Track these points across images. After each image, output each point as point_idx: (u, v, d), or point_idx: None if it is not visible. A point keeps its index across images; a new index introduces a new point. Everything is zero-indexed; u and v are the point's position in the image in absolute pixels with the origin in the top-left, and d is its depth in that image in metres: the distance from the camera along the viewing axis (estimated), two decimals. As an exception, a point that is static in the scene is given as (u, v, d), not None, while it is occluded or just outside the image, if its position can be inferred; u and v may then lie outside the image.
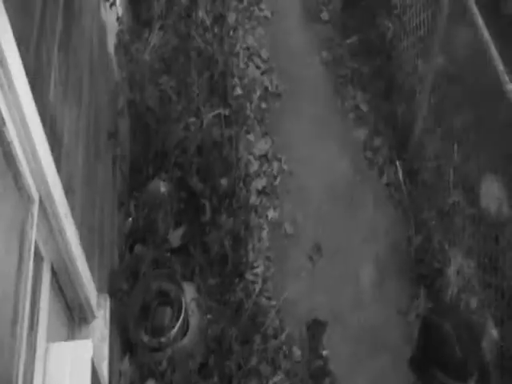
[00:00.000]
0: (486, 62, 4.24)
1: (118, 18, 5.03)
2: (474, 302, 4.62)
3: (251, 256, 5.03)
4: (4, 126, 2.22)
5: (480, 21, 4.30)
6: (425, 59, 5.40)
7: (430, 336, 2.75)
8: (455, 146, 5.13)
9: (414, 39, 5.72)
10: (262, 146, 5.72)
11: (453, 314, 3.06)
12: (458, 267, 4.71)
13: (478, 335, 2.84)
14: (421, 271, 4.96)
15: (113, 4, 4.79)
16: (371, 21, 6.28)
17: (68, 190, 2.89)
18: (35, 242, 2.55)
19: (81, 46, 3.61)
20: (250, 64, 6.24)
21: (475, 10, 4.34)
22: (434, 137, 5.35)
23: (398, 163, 5.48)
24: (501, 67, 4.14)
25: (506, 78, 4.08)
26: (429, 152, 5.35)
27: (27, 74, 2.34)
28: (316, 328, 4.71)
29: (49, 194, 2.63)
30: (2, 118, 2.21)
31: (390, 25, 6.09)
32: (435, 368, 2.62)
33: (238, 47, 6.19)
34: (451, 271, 4.70)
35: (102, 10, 4.51)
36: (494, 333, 4.54)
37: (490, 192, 4.84)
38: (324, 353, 4.64)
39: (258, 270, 4.98)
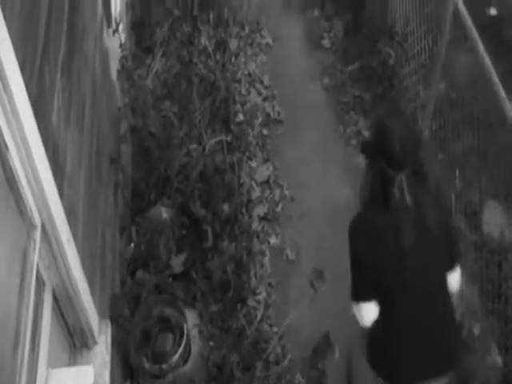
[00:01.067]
0: (488, 88, 4.25)
1: (121, 45, 5.06)
2: (476, 329, 4.59)
3: (253, 282, 5.02)
4: (7, 151, 2.22)
5: (481, 47, 4.32)
6: (426, 85, 5.43)
7: (379, 133, 3.40)
8: (457, 172, 5.13)
9: (415, 65, 5.75)
10: (264, 172, 5.72)
11: (400, 117, 3.94)
12: (461, 293, 4.69)
13: (416, 136, 3.62)
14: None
15: (116, 30, 4.83)
16: (373, 47, 6.31)
17: (70, 215, 2.89)
18: (37, 266, 2.55)
19: (83, 72, 3.63)
20: (252, 90, 6.27)
21: (476, 36, 4.37)
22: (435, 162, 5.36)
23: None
24: (502, 93, 4.16)
25: (508, 105, 4.10)
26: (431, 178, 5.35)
27: (30, 98, 2.35)
28: (323, 345, 4.69)
29: (51, 219, 2.63)
30: (5, 143, 2.21)
31: (392, 51, 6.12)
32: (381, 160, 3.27)
33: (239, 74, 6.22)
34: (454, 297, 4.67)
35: (105, 36, 4.54)
36: (497, 360, 4.52)
37: (493, 218, 4.84)
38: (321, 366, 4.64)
39: (260, 297, 4.97)
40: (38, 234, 2.55)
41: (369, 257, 3.43)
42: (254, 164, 5.70)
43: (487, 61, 4.26)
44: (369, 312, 3.45)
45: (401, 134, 3.29)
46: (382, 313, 3.44)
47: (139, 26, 6.11)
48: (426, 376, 3.53)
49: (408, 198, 3.26)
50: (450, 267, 3.52)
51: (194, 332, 4.47)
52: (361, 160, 5.80)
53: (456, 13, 4.63)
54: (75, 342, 3.30)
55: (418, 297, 3.43)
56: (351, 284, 3.51)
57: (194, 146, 5.26)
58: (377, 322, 3.47)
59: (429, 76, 5.31)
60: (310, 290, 5.10)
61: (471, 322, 4.61)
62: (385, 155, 3.28)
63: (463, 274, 4.33)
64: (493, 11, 6.60)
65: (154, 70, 5.66)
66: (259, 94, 6.28)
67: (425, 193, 3.37)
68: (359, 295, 3.48)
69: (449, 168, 5.22)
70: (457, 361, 3.63)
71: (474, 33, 4.40)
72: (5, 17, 2.11)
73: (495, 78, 4.18)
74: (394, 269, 3.38)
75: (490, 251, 4.73)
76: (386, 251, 3.38)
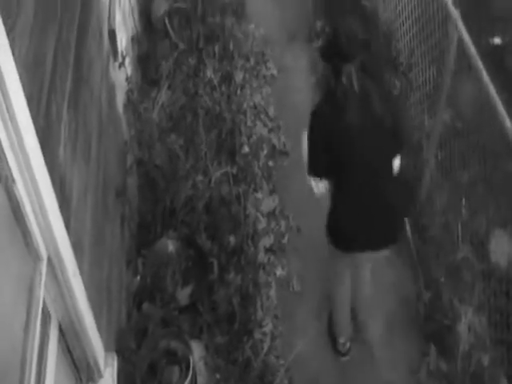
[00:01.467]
0: (493, 117, 4.26)
1: (127, 78, 5.09)
2: (485, 360, 4.55)
3: (259, 314, 4.99)
4: (13, 184, 2.23)
5: (485, 76, 4.33)
6: (431, 115, 5.43)
7: (331, 31, 4.15)
8: (463, 201, 5.12)
9: (420, 96, 5.76)
10: (270, 203, 5.71)
11: (351, 20, 4.46)
12: (469, 324, 4.66)
13: (365, 35, 4.07)
14: (431, 328, 4.90)
15: (122, 64, 4.86)
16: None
17: (76, 248, 2.89)
18: (43, 299, 2.54)
19: (90, 105, 3.65)
20: (258, 122, 6.28)
21: (480, 65, 4.38)
22: (441, 192, 5.35)
23: (406, 219, 5.47)
24: (507, 123, 4.16)
25: (513, 133, 4.10)
26: (437, 207, 5.34)
27: (37, 131, 2.36)
28: None
29: (57, 252, 2.63)
30: (12, 176, 2.22)
31: (397, 82, 6.14)
32: (334, 57, 3.85)
33: (245, 105, 6.24)
34: (462, 328, 4.66)
35: (112, 69, 4.57)
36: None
37: (500, 247, 4.81)
38: None
39: (267, 329, 4.94)
40: (44, 267, 2.55)
41: (322, 139, 3.97)
42: (259, 195, 5.69)
43: (492, 90, 4.27)
44: (320, 184, 4.14)
45: (348, 30, 3.91)
46: (334, 188, 4.15)
47: (145, 60, 6.15)
48: (374, 243, 4.25)
49: (356, 85, 3.81)
50: (394, 153, 4.12)
51: (200, 364, 4.45)
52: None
53: (460, 42, 4.65)
54: (81, 376, 3.28)
55: (364, 173, 4.00)
56: (307, 160, 4.09)
57: (199, 177, 5.27)
58: (331, 200, 4.23)
59: (434, 106, 5.31)
60: (315, 321, 5.08)
61: (480, 353, 4.58)
62: (336, 50, 3.85)
63: (472, 303, 4.38)
64: (497, 40, 6.64)
65: (160, 103, 5.69)
66: (265, 125, 6.29)
67: (372, 84, 3.89)
68: (314, 172, 4.12)
69: (455, 197, 5.21)
70: (398, 235, 4.42)
71: (478, 62, 4.41)
72: (13, 52, 2.13)
73: (500, 107, 4.18)
74: (342, 148, 3.95)
75: (498, 280, 4.71)
76: (335, 132, 3.92)
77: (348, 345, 4.91)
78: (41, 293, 2.50)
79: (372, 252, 4.31)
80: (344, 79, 3.80)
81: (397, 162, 4.15)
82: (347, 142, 3.94)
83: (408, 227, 5.44)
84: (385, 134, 3.98)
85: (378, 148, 3.99)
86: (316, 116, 4.02)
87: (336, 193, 4.17)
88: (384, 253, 4.40)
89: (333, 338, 4.95)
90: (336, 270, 4.70)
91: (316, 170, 4.11)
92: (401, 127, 4.18)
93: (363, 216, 4.11)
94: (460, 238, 5.06)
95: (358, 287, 4.80)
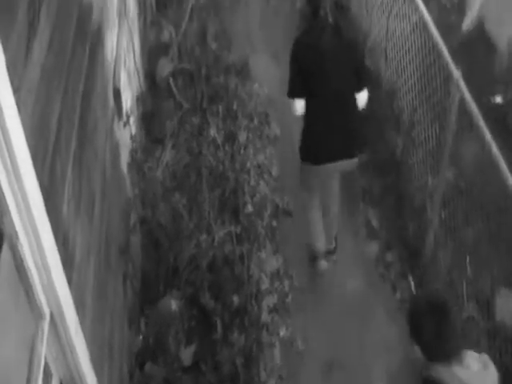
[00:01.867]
0: (496, 175, 4.27)
1: (131, 137, 5.13)
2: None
3: (263, 375, 4.93)
4: (17, 240, 2.23)
5: (488, 135, 4.36)
6: (434, 174, 5.45)
7: None
8: (467, 259, 5.10)
9: (423, 154, 5.79)
10: (273, 263, 5.69)
11: None
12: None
13: None
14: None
15: (126, 123, 4.90)
16: (380, 137, 6.36)
17: (79, 306, 2.87)
18: (45, 358, 2.52)
19: (94, 164, 3.67)
20: (261, 182, 6.28)
21: (482, 124, 4.41)
22: (445, 250, 5.34)
23: (410, 278, 5.45)
24: (510, 181, 4.17)
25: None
26: (441, 266, 5.32)
27: (41, 189, 2.37)
28: None
29: (60, 310, 2.62)
30: (16, 232, 2.22)
31: (399, 140, 6.17)
32: None
33: (248, 165, 6.25)
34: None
35: (116, 128, 4.60)
36: None
37: (505, 305, 4.78)
38: None
39: (270, 390, 4.88)
40: (46, 325, 2.53)
41: (300, 65, 4.95)
42: (263, 255, 5.66)
43: (494, 149, 4.29)
44: (299, 105, 5.08)
45: None
46: (307, 110, 5.07)
47: (150, 119, 6.20)
48: (339, 157, 5.20)
49: (330, 17, 4.81)
50: (358, 86, 5.07)
51: (204, 426, 4.38)
52: (371, 249, 5.84)
53: (462, 102, 4.69)
54: None
55: (333, 94, 4.95)
56: (288, 85, 5.07)
57: (203, 237, 5.25)
58: (304, 121, 5.19)
59: (437, 164, 5.34)
60: (320, 381, 5.01)
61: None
62: None
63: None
64: (498, 99, 6.69)
65: (164, 162, 5.72)
66: (268, 184, 6.30)
67: (344, 20, 4.98)
68: (293, 93, 5.07)
69: (459, 256, 5.20)
70: (361, 148, 5.41)
71: (480, 121, 4.44)
72: (19, 112, 2.15)
73: (503, 165, 4.20)
74: (316, 72, 4.91)
75: (504, 339, 4.67)
76: (312, 59, 4.92)
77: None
78: (43, 351, 2.48)
79: (338, 162, 5.21)
80: (321, 12, 4.79)
81: (364, 96, 5.12)
82: (320, 67, 4.90)
83: (412, 286, 5.42)
84: (351, 64, 4.96)
85: (344, 76, 4.95)
86: (296, 45, 5.02)
87: (308, 114, 5.08)
88: (348, 163, 5.28)
89: (312, 256, 5.69)
90: (308, 185, 5.60)
91: (294, 91, 5.04)
92: (362, 62, 5.22)
93: (330, 133, 5.07)
94: (465, 297, 5.03)
95: (328, 200, 5.69)
